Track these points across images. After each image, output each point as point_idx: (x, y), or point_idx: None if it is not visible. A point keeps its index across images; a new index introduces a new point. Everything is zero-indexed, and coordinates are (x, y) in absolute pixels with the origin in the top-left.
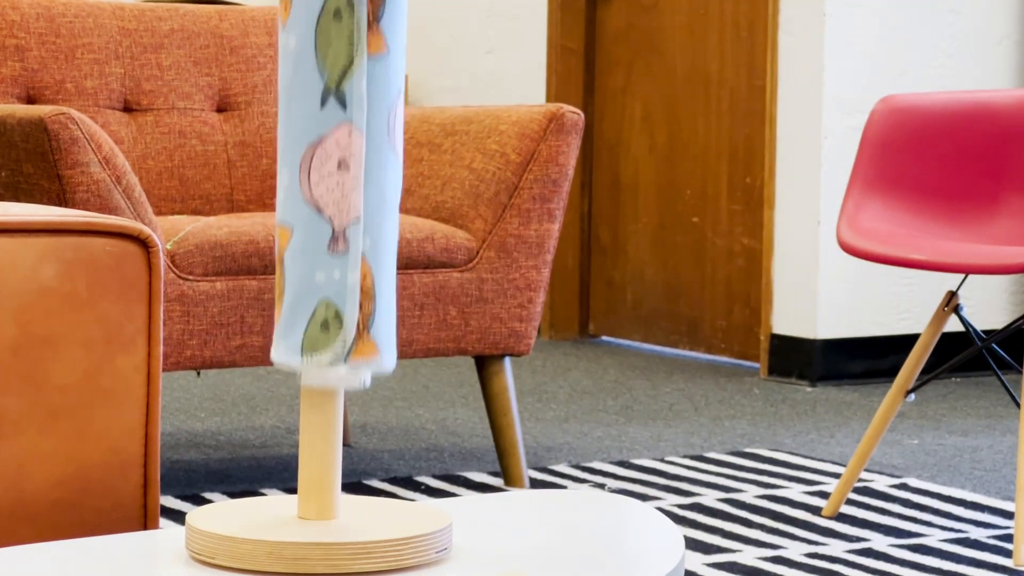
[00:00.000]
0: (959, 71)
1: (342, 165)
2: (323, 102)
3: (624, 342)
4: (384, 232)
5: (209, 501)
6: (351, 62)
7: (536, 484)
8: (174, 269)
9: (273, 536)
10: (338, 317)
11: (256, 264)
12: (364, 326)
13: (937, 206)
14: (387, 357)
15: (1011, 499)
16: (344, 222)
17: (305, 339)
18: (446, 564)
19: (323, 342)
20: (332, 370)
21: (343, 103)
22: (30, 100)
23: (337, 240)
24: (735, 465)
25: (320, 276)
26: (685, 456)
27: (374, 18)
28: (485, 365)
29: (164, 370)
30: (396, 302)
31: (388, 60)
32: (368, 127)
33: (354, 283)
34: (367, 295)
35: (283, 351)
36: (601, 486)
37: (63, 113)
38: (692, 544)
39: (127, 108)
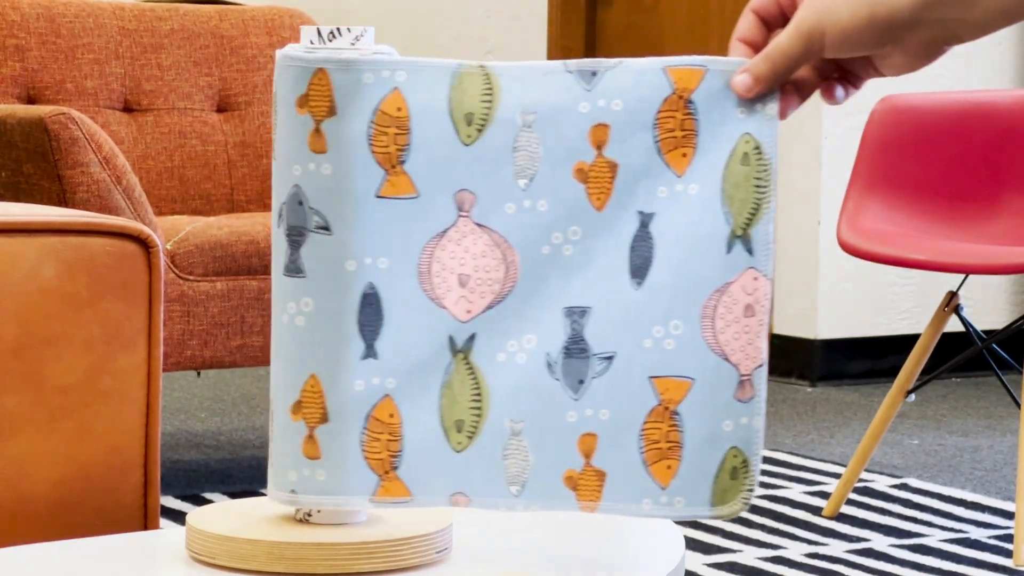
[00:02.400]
0: (959, 71)
1: (748, 311)
2: (729, 248)
3: None
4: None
5: (209, 501)
6: (758, 207)
7: None
8: (174, 269)
9: (273, 536)
10: (745, 464)
11: (256, 264)
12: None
13: (937, 206)
14: (421, 497)
15: (1011, 499)
16: (751, 367)
17: (715, 490)
18: (446, 564)
19: (733, 491)
20: (733, 512)
21: (749, 249)
22: (30, 100)
23: (744, 386)
24: None
25: (728, 424)
26: None
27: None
28: None
29: (164, 370)
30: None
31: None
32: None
33: (759, 427)
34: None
35: (682, 505)
36: None
37: (63, 113)
38: (692, 544)
39: (127, 108)
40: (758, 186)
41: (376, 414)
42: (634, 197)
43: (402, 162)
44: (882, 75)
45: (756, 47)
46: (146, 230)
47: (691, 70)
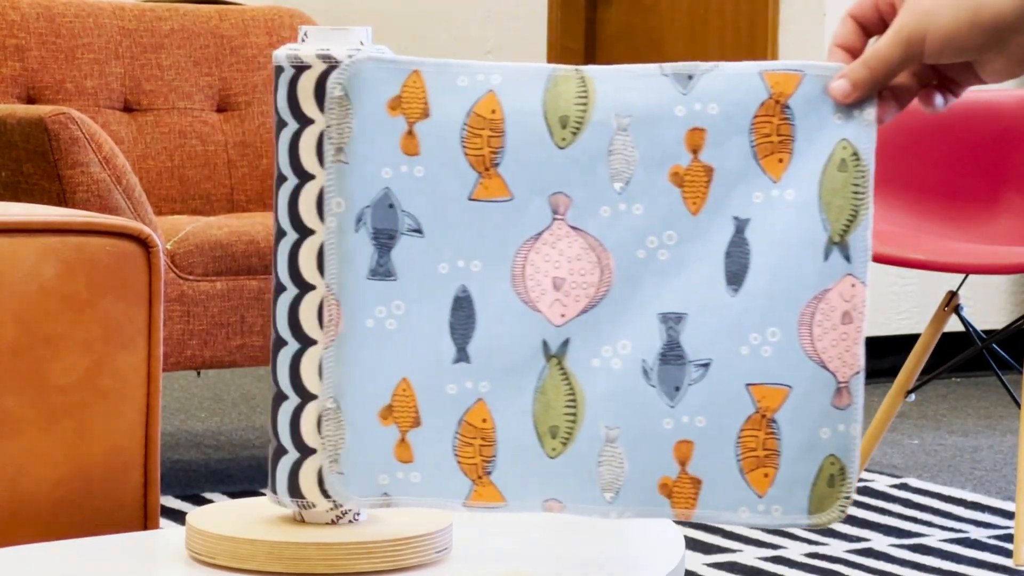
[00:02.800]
0: None
1: (846, 318)
2: (826, 255)
3: None
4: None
5: (209, 501)
6: (856, 213)
7: None
8: (174, 269)
9: (273, 536)
10: (842, 472)
11: (256, 264)
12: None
13: (937, 206)
14: (515, 503)
15: (1011, 499)
16: (848, 374)
17: (813, 498)
18: (446, 564)
19: (830, 499)
20: (830, 520)
21: (847, 256)
22: (30, 100)
23: (841, 393)
24: None
25: (825, 432)
26: None
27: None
28: None
29: (164, 370)
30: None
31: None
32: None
33: (856, 435)
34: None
35: (780, 514)
36: None
37: (63, 113)
38: (692, 544)
39: (127, 108)
40: (856, 193)
41: (469, 419)
42: (729, 202)
43: (496, 164)
44: (983, 82)
45: (854, 53)
46: (146, 230)
47: (788, 75)
